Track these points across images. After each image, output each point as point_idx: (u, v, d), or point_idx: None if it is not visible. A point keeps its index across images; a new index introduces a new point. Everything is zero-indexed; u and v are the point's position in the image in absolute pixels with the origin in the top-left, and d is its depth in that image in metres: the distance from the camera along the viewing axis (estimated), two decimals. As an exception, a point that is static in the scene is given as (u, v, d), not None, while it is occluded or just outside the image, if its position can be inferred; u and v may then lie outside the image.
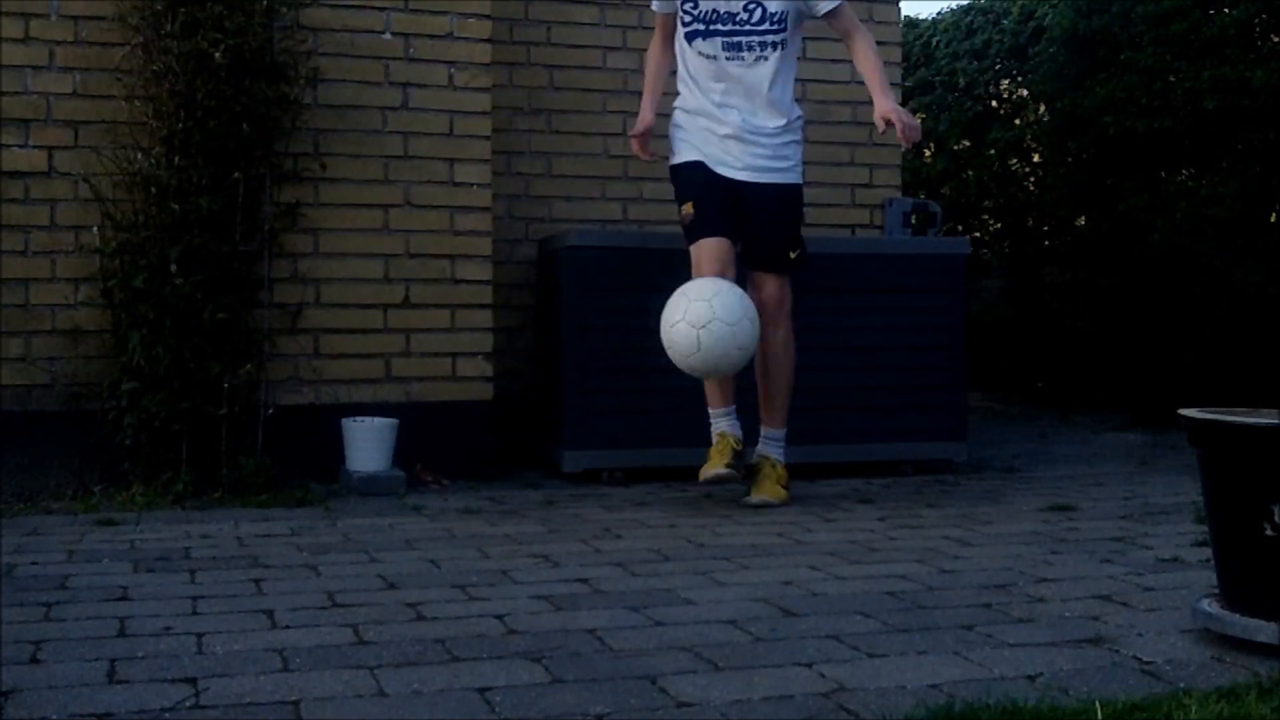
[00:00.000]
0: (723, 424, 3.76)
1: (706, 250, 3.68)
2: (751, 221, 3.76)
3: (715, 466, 3.66)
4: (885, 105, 3.66)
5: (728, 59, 3.71)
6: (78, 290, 3.85)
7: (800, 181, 3.84)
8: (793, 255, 3.81)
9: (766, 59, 3.70)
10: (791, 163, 3.79)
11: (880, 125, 3.68)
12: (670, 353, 3.51)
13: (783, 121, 3.76)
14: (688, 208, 3.76)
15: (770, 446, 3.82)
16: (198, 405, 3.72)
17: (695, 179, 3.77)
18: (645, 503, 3.75)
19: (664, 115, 3.95)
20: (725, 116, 3.73)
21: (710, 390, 3.77)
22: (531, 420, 4.57)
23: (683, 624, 2.27)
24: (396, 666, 1.99)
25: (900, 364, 4.40)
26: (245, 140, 3.82)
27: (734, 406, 3.78)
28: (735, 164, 3.74)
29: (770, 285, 3.76)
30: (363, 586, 2.58)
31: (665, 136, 3.92)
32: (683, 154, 3.81)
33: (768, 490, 3.72)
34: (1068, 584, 2.62)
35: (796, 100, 3.87)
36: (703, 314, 3.42)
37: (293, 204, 4.02)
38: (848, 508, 3.62)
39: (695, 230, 3.72)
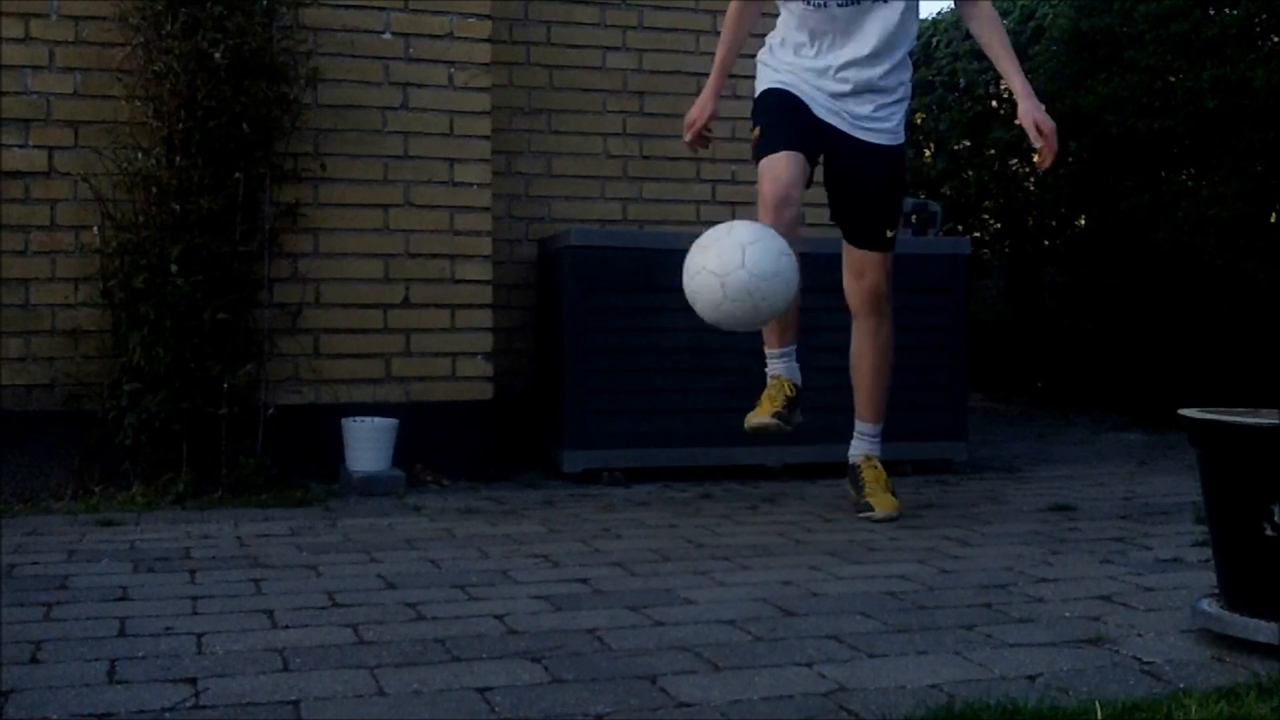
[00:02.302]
0: (778, 366, 3.50)
1: (770, 167, 3.26)
2: (849, 185, 3.44)
3: (763, 414, 3.41)
4: (1036, 111, 3.26)
5: (840, 5, 3.30)
6: (78, 290, 3.85)
7: (903, 144, 3.48)
8: (890, 234, 3.44)
9: (886, 1, 3.31)
10: (895, 122, 3.43)
11: (1032, 133, 3.27)
12: (694, 304, 3.14)
13: (891, 77, 3.38)
14: (756, 131, 3.36)
15: (869, 443, 3.58)
16: (198, 405, 3.72)
17: (774, 101, 3.39)
18: (645, 503, 3.75)
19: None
20: (828, 71, 3.36)
21: (768, 329, 3.45)
22: (531, 420, 4.57)
23: (683, 624, 2.27)
24: (396, 666, 1.99)
25: (900, 364, 4.38)
26: (245, 140, 3.82)
27: (793, 347, 3.50)
28: (834, 110, 3.38)
29: (874, 272, 3.43)
30: (363, 586, 2.58)
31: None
32: (767, 82, 3.43)
33: (885, 502, 3.43)
34: (1068, 584, 2.62)
35: (910, 58, 3.46)
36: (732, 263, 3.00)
37: (293, 204, 4.03)
38: (848, 508, 3.62)
39: (762, 146, 3.31)
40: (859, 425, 3.61)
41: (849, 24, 3.33)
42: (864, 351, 3.53)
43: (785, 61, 3.43)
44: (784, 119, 3.35)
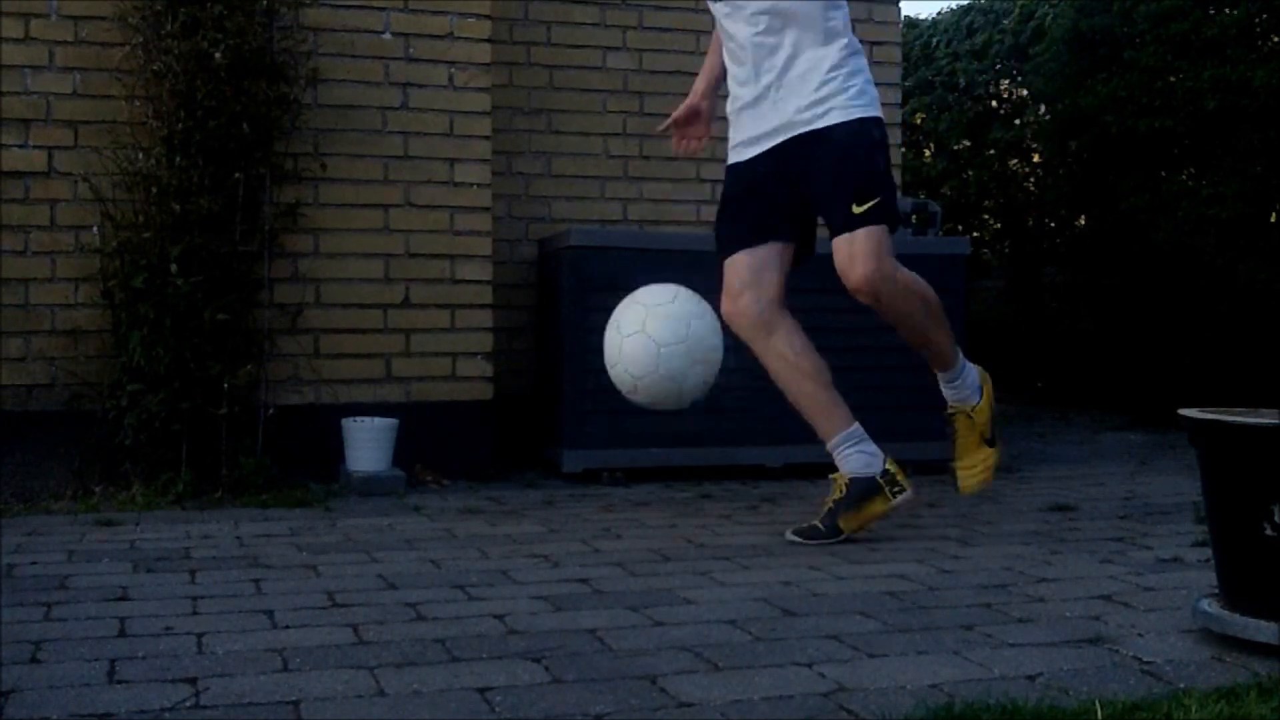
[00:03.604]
0: (837, 458, 3.13)
1: (727, 270, 3.15)
2: (804, 185, 3.09)
3: (793, 530, 3.14)
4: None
5: (731, 11, 3.10)
6: (78, 290, 3.85)
7: (863, 115, 3.03)
8: (858, 209, 2.96)
9: None
10: (843, 97, 3.02)
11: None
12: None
13: (826, 55, 3.03)
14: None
15: (952, 390, 3.25)
16: (198, 405, 3.72)
17: (726, 192, 3.26)
18: (645, 503, 3.75)
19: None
20: (749, 82, 3.11)
21: (811, 419, 3.17)
22: (531, 420, 4.57)
23: (683, 624, 2.27)
24: (396, 666, 1.99)
25: (900, 364, 4.39)
26: (245, 140, 3.82)
27: (847, 431, 3.12)
28: (764, 130, 3.10)
29: (862, 260, 2.96)
30: (363, 586, 2.58)
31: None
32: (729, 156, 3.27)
33: (974, 462, 3.23)
34: (1068, 584, 2.62)
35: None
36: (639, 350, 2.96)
37: (293, 204, 4.03)
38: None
39: (718, 248, 3.20)
40: (940, 377, 3.28)
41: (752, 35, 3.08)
42: (899, 325, 3.15)
43: (732, 122, 3.21)
44: (733, 206, 3.19)
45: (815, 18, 3.04)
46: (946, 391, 3.27)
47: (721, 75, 3.35)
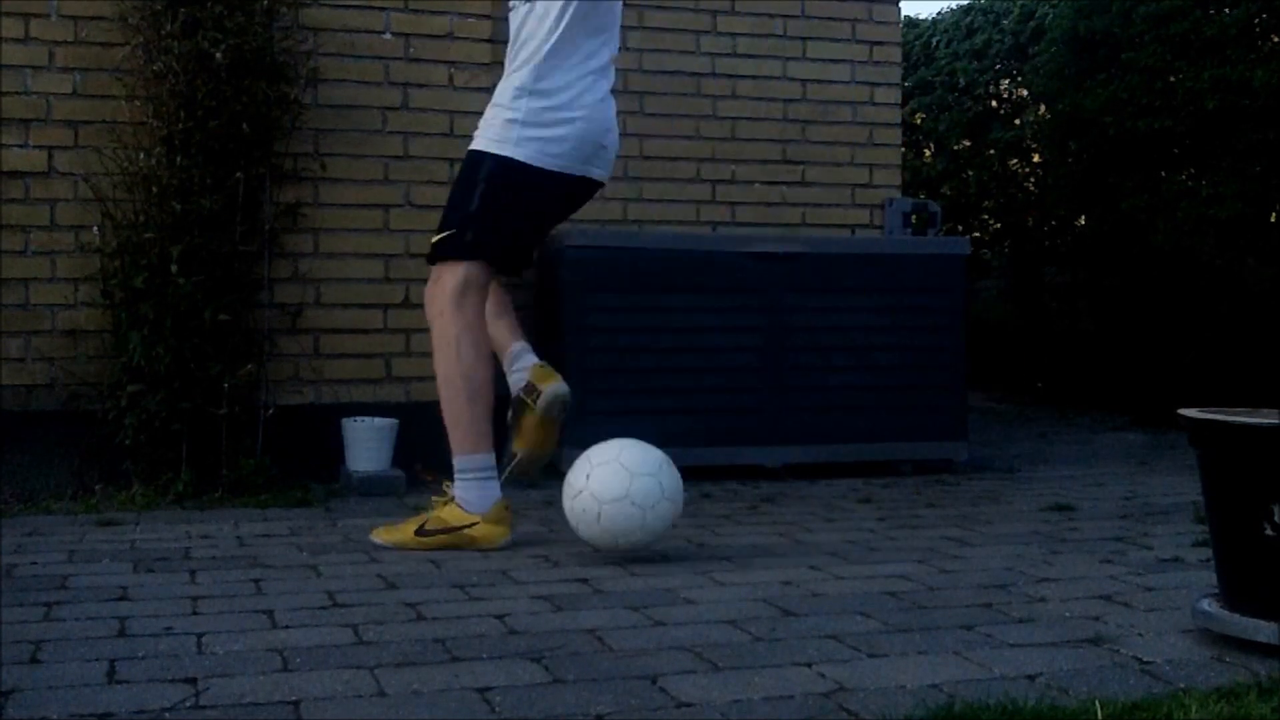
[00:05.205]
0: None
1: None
2: None
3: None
4: None
5: (510, 9, 3.08)
6: (78, 290, 3.85)
7: (487, 150, 2.98)
8: (435, 236, 3.01)
9: (517, 7, 3.03)
10: (488, 128, 3.01)
11: None
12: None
13: (507, 80, 3.02)
14: None
15: (456, 481, 3.02)
16: (198, 405, 3.72)
17: None
18: (645, 503, 3.74)
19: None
20: None
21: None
22: (531, 420, 4.56)
23: (683, 624, 2.27)
24: (396, 666, 1.99)
25: (900, 364, 4.41)
26: (245, 140, 3.82)
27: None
28: None
29: (431, 282, 3.05)
30: (363, 586, 2.58)
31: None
32: None
33: (398, 531, 3.02)
34: (1068, 584, 2.62)
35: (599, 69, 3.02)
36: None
37: (293, 204, 4.03)
38: (848, 508, 3.62)
39: None
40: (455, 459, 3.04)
41: (512, 34, 3.08)
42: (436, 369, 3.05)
43: None
44: None
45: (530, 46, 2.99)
46: (456, 479, 2.99)
47: None
